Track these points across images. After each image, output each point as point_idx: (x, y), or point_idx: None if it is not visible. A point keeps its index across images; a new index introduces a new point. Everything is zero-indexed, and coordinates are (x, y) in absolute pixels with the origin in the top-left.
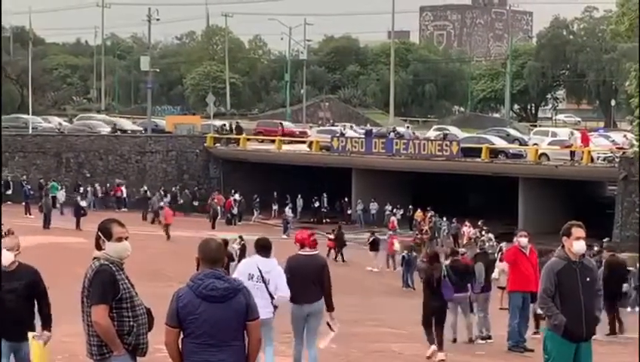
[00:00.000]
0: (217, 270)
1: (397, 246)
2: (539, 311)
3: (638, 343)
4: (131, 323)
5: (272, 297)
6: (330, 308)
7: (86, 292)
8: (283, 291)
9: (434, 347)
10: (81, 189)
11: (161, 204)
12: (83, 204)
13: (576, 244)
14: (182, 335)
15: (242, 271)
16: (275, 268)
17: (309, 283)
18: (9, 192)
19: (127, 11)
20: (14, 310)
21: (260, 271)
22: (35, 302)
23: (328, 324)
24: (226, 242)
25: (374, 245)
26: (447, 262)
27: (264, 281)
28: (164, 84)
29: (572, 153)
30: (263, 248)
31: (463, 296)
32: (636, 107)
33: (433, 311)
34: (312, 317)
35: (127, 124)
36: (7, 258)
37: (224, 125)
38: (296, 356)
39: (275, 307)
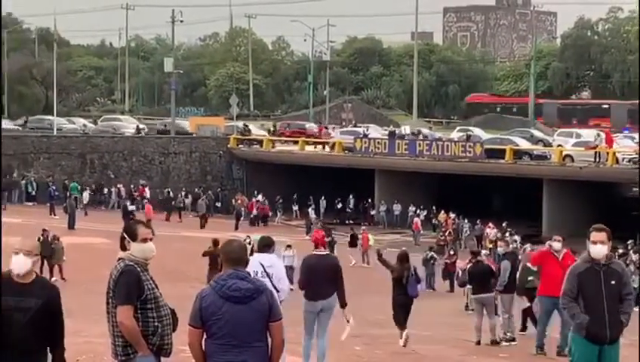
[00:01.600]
0: (240, 271)
1: (372, 241)
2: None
3: (639, 343)
4: (156, 323)
5: (277, 290)
6: (343, 304)
7: (111, 292)
8: (284, 284)
9: (403, 339)
10: (134, 193)
11: (182, 205)
12: (132, 208)
13: (593, 248)
14: (205, 336)
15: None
16: (276, 262)
17: (323, 281)
18: (33, 193)
19: (151, 13)
20: (22, 336)
21: (263, 266)
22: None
23: (347, 320)
24: (216, 241)
25: (353, 241)
26: (469, 264)
27: (268, 275)
28: (188, 85)
29: (597, 154)
30: (264, 246)
31: (487, 297)
32: None
33: (401, 306)
34: (324, 313)
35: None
36: (22, 264)
37: (246, 125)
38: (305, 351)
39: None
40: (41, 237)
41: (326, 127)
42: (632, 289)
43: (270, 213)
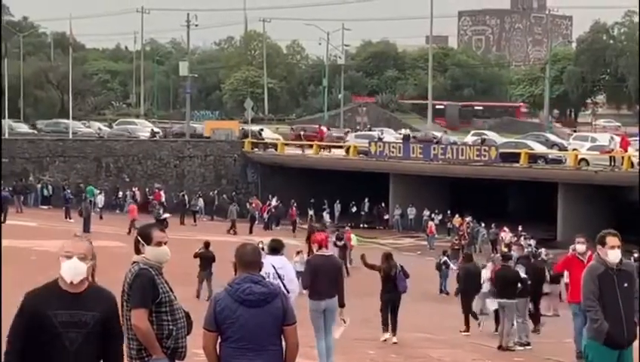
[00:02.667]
0: (254, 274)
1: (355, 241)
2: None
3: (639, 346)
4: (170, 326)
5: (287, 291)
6: (342, 304)
7: (125, 296)
8: (294, 285)
9: (388, 334)
10: (150, 197)
11: (197, 209)
12: (166, 215)
13: (611, 253)
14: (220, 340)
15: None
16: (286, 264)
17: (327, 281)
18: (49, 196)
19: (166, 17)
20: (77, 357)
21: (275, 268)
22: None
23: (343, 320)
24: (207, 243)
25: (338, 240)
26: (497, 267)
27: (279, 276)
28: (203, 89)
29: (612, 158)
30: (273, 249)
31: (510, 302)
32: None
33: (389, 301)
34: (328, 312)
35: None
36: (77, 270)
37: (262, 130)
38: (320, 351)
39: None
40: None
41: (329, 129)
42: (637, 289)
43: (297, 219)
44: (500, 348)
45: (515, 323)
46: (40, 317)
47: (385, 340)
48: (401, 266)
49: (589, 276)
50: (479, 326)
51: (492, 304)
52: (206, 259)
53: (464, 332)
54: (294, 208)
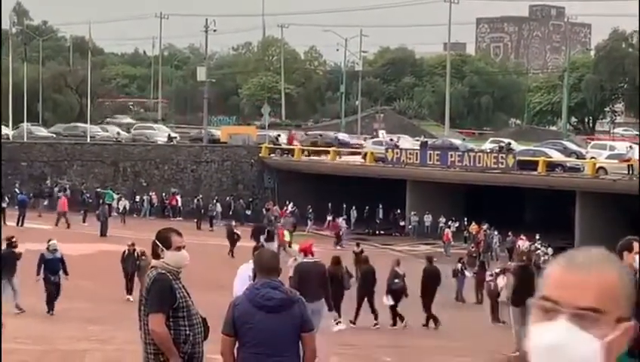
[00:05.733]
0: (274, 280)
1: (287, 237)
2: None
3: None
4: (187, 332)
5: None
6: (330, 308)
7: (143, 300)
8: None
9: (342, 326)
10: (166, 201)
11: (214, 214)
12: (237, 231)
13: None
14: (237, 345)
15: (242, 273)
16: None
17: (313, 285)
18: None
19: (185, 22)
20: None
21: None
22: None
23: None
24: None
25: (269, 236)
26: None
27: None
28: (220, 94)
29: (630, 167)
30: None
31: None
32: None
33: (338, 298)
34: (314, 314)
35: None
36: None
37: (279, 135)
38: None
39: None
40: (127, 251)
41: (306, 134)
42: None
43: (341, 232)
44: None
45: None
46: None
47: (339, 330)
48: (346, 267)
49: None
50: (374, 326)
51: (387, 300)
52: None
53: (352, 323)
54: (338, 220)
